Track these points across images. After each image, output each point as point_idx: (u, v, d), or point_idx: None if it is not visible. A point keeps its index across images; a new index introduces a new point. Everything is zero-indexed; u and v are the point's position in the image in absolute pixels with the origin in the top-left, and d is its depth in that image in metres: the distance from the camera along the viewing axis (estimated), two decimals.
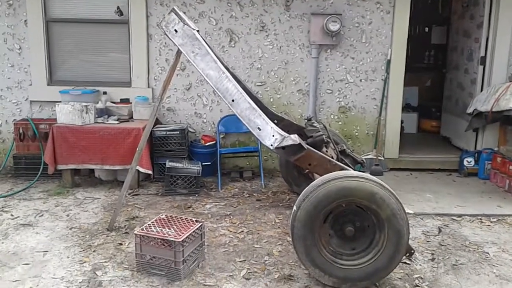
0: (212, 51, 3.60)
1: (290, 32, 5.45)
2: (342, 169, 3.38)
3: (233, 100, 3.49)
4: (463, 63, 6.08)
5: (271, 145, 3.40)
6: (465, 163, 5.43)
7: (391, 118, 5.58)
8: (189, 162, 5.02)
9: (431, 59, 7.80)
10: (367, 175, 3.00)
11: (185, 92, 5.57)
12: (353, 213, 3.00)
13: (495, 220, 4.07)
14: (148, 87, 5.54)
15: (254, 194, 4.82)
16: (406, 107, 7.29)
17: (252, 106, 3.47)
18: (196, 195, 4.75)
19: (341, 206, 2.96)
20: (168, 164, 4.84)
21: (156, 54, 5.49)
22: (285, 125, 4.38)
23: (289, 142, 3.29)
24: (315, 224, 2.92)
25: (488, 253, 3.41)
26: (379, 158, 5.52)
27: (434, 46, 7.69)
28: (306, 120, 4.40)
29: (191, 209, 4.38)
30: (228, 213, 4.27)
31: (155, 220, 3.33)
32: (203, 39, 3.62)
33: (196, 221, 3.35)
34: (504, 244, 3.57)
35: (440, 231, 3.80)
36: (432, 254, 3.41)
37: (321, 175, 3.56)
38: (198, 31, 3.58)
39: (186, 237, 3.06)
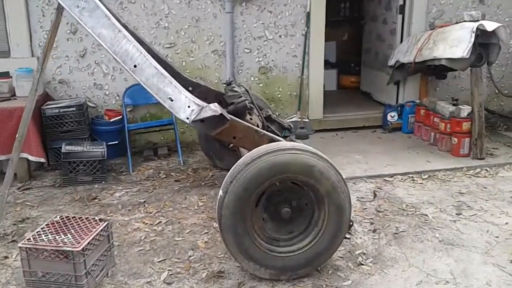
0: (104, 5, 2.87)
1: None
2: (272, 140, 2.93)
3: (135, 66, 2.84)
4: (381, 13, 5.85)
5: (187, 118, 2.83)
6: (388, 118, 5.29)
7: (314, 77, 5.22)
8: (91, 144, 4.27)
9: (347, 11, 7.54)
10: (301, 145, 2.57)
11: (79, 60, 4.71)
12: (288, 191, 2.58)
13: (426, 176, 3.94)
14: (32, 56, 4.59)
15: (172, 174, 4.25)
16: (325, 64, 7.00)
17: (160, 72, 2.85)
18: (103, 182, 4.06)
19: (275, 184, 2.52)
20: (65, 148, 4.06)
21: (39, 14, 4.53)
22: (202, 92, 3.80)
23: (209, 113, 2.74)
24: (246, 209, 2.46)
25: (427, 215, 3.23)
26: (304, 120, 5.19)
27: None
28: (225, 85, 3.86)
29: (96, 200, 3.71)
30: (142, 200, 3.67)
31: (46, 224, 2.65)
32: None
33: (100, 220, 2.72)
34: (440, 203, 3.43)
35: (375, 195, 3.56)
36: (371, 223, 3.16)
37: (248, 149, 3.10)
38: None
39: (88, 243, 2.45)
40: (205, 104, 2.86)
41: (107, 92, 4.84)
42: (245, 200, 2.44)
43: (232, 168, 2.54)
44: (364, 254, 2.79)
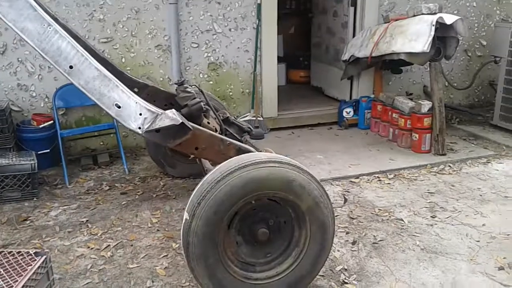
0: None
1: None
2: (240, 149, 2.58)
3: (71, 67, 2.36)
4: (331, 5, 5.66)
5: (139, 127, 2.41)
6: (344, 114, 5.12)
7: (267, 72, 4.91)
8: (18, 155, 3.66)
9: (293, 4, 7.29)
10: (278, 156, 2.24)
11: None
12: (264, 208, 2.25)
13: (392, 176, 3.78)
14: None
15: (116, 185, 3.75)
16: None
17: (103, 73, 2.39)
18: (35, 199, 3.49)
19: (249, 203, 2.17)
20: None
21: None
22: (150, 94, 3.37)
23: (167, 122, 2.33)
24: (218, 234, 2.09)
25: (402, 220, 3.05)
26: (258, 119, 4.88)
27: None
28: (176, 85, 3.43)
29: (28, 222, 3.15)
30: (85, 219, 3.17)
31: None
32: None
33: (36, 253, 2.22)
34: (413, 205, 3.27)
35: (345, 200, 3.34)
36: (347, 232, 2.91)
37: (212, 161, 2.74)
38: None
39: (23, 286, 1.95)
40: (160, 110, 2.45)
41: (34, 94, 4.20)
42: (216, 224, 2.07)
43: (199, 186, 2.15)
44: (346, 270, 2.54)
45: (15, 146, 3.88)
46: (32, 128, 3.99)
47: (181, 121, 2.32)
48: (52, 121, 4.03)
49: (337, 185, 3.67)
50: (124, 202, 3.42)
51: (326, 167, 3.98)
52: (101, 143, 4.49)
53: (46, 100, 4.22)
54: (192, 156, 2.61)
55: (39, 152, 3.87)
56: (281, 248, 2.29)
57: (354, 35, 5.23)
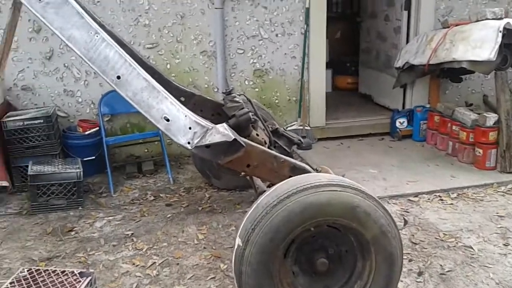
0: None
1: None
2: (294, 167, 2.38)
3: (118, 77, 2.24)
4: (382, 9, 5.36)
5: (188, 142, 2.26)
6: (397, 124, 4.82)
7: (315, 79, 4.69)
8: (64, 162, 3.61)
9: (339, 8, 7.03)
10: (340, 179, 2.03)
11: (45, 63, 4.02)
12: (324, 236, 2.04)
13: (455, 195, 3.47)
14: None
15: (161, 195, 3.64)
16: None
17: (152, 84, 2.25)
18: (80, 208, 3.42)
19: (308, 230, 1.97)
20: (32, 169, 3.39)
21: None
22: (197, 104, 3.23)
23: (217, 138, 2.17)
24: (273, 263, 1.91)
25: (471, 248, 2.75)
26: (305, 128, 4.66)
27: None
28: (224, 94, 3.28)
29: (73, 233, 3.07)
30: (130, 233, 3.06)
31: (11, 283, 2.01)
32: None
33: (81, 273, 2.11)
34: (481, 230, 2.96)
35: (406, 222, 3.05)
36: (410, 260, 2.65)
37: (265, 179, 2.55)
38: None
39: None
40: (210, 124, 2.28)
41: (80, 100, 4.17)
42: (271, 252, 1.89)
43: (253, 209, 1.97)
44: None
45: (61, 152, 3.85)
46: (78, 135, 3.95)
47: (233, 137, 2.15)
48: (97, 128, 3.98)
49: (394, 203, 3.40)
50: (169, 215, 3.29)
51: (381, 183, 3.71)
52: (146, 150, 4.41)
53: (92, 106, 4.18)
54: (242, 174, 2.43)
55: (84, 159, 3.83)
56: (341, 281, 2.07)
57: (407, 41, 4.93)
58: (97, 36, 2.18)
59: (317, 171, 2.55)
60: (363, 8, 5.93)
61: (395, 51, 5.08)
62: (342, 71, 6.58)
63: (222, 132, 2.18)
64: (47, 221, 3.24)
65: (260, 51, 4.51)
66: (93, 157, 3.96)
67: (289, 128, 4.54)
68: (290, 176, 2.34)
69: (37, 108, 3.94)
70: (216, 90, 4.45)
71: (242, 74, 4.53)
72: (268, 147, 3.13)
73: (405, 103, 5.08)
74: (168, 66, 4.30)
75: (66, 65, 4.04)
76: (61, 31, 2.16)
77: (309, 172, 2.41)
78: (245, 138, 2.92)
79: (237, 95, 3.27)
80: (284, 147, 3.34)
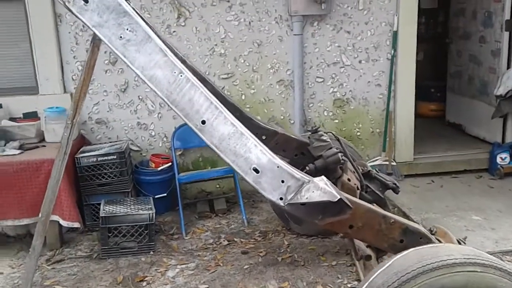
0: (156, 33, 2.02)
1: (262, 0, 3.91)
2: (407, 230, 1.96)
3: (203, 122, 1.96)
4: (476, 29, 4.81)
5: (281, 198, 1.91)
6: (498, 160, 4.22)
7: (402, 109, 4.24)
8: (136, 202, 3.43)
9: (421, 27, 6.49)
10: (476, 253, 1.59)
11: (120, 96, 3.91)
12: None
13: None
14: (65, 92, 3.83)
15: (235, 240, 3.33)
16: None
17: (240, 130, 1.96)
18: (151, 252, 3.19)
19: None
20: (104, 210, 3.21)
21: (72, 42, 3.77)
22: (280, 143, 2.91)
23: (316, 196, 1.81)
24: None
25: None
26: (392, 164, 4.19)
27: (425, 12, 6.39)
28: (309, 132, 2.94)
29: (145, 283, 2.83)
30: (204, 286, 2.76)
31: None
32: (138, 14, 2.02)
33: None
34: None
35: None
36: None
37: (370, 243, 2.15)
38: None
39: None
40: (307, 177, 1.93)
41: (153, 133, 4.01)
42: None
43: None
44: None
45: (133, 189, 3.68)
46: (150, 171, 3.77)
47: (339, 197, 1.78)
48: (170, 163, 3.78)
49: (507, 260, 2.85)
50: (246, 266, 2.96)
51: (489, 234, 3.16)
52: (217, 186, 4.16)
53: (165, 139, 4.01)
54: (342, 236, 2.06)
55: (156, 196, 3.64)
56: None
57: (508, 66, 4.36)
58: (181, 76, 1.93)
59: (431, 232, 2.11)
60: (452, 29, 5.38)
61: (493, 76, 4.51)
62: (425, 96, 6.00)
63: (323, 189, 1.82)
64: (117, 267, 3.03)
65: (341, 79, 4.15)
66: (165, 194, 3.76)
67: (371, 163, 4.11)
68: (402, 241, 1.95)
69: (110, 142, 3.82)
70: (292, 122, 4.13)
71: (320, 104, 4.18)
72: (360, 193, 2.74)
73: (505, 136, 4.47)
74: (243, 97, 4.05)
75: (140, 97, 3.91)
76: (142, 70, 1.93)
77: (425, 235, 1.99)
78: (333, 181, 2.56)
79: (324, 132, 2.93)
80: (377, 191, 2.93)
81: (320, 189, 1.84)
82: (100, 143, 3.81)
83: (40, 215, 2.25)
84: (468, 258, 1.55)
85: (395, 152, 4.28)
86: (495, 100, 4.40)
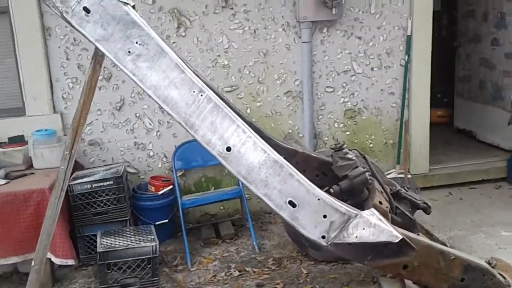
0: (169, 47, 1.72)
1: (267, 5, 3.63)
2: (469, 267, 1.68)
3: (228, 149, 1.66)
4: (488, 31, 4.61)
5: (323, 236, 1.62)
6: None
7: (417, 119, 4.00)
8: (136, 231, 3.09)
9: None
10: None
11: (115, 114, 3.57)
12: None
13: None
14: (55, 112, 3.49)
15: (247, 270, 3.01)
16: None
17: (273, 158, 1.66)
18: None
19: None
20: (101, 244, 2.86)
21: (62, 57, 3.44)
22: (300, 163, 2.61)
23: (370, 236, 1.52)
24: None
25: None
26: (407, 176, 3.93)
27: None
28: (332, 150, 2.65)
29: None
30: None
31: None
32: (146, 25, 1.71)
33: None
34: None
35: None
36: None
37: (428, 285, 1.84)
38: (134, 6, 1.67)
39: None
40: (354, 210, 1.64)
41: (151, 153, 3.68)
42: None
43: None
44: None
45: (131, 216, 3.34)
46: (150, 195, 3.43)
47: (401, 236, 1.49)
48: (171, 186, 3.45)
49: None
50: None
51: None
52: (221, 208, 3.84)
53: (164, 160, 3.68)
54: (392, 276, 1.76)
55: (156, 223, 3.31)
56: None
57: None
58: (201, 96, 1.63)
59: (489, 264, 1.83)
60: (461, 31, 5.17)
61: (507, 80, 4.30)
62: (431, 102, 5.77)
63: (377, 226, 1.53)
64: None
65: (352, 88, 3.88)
66: (166, 220, 3.43)
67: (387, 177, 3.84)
68: (463, 280, 1.66)
69: (105, 165, 3.48)
70: (301, 135, 3.85)
71: (331, 116, 3.90)
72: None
73: None
74: (248, 110, 3.75)
75: (137, 115, 3.58)
76: (155, 90, 1.63)
77: (488, 272, 1.71)
78: (359, 204, 2.29)
79: (349, 150, 2.64)
80: (407, 212, 2.67)
81: (372, 226, 1.55)
82: (94, 167, 3.47)
83: (33, 263, 1.92)
84: None
85: (409, 164, 4.03)
86: (510, 105, 4.19)
